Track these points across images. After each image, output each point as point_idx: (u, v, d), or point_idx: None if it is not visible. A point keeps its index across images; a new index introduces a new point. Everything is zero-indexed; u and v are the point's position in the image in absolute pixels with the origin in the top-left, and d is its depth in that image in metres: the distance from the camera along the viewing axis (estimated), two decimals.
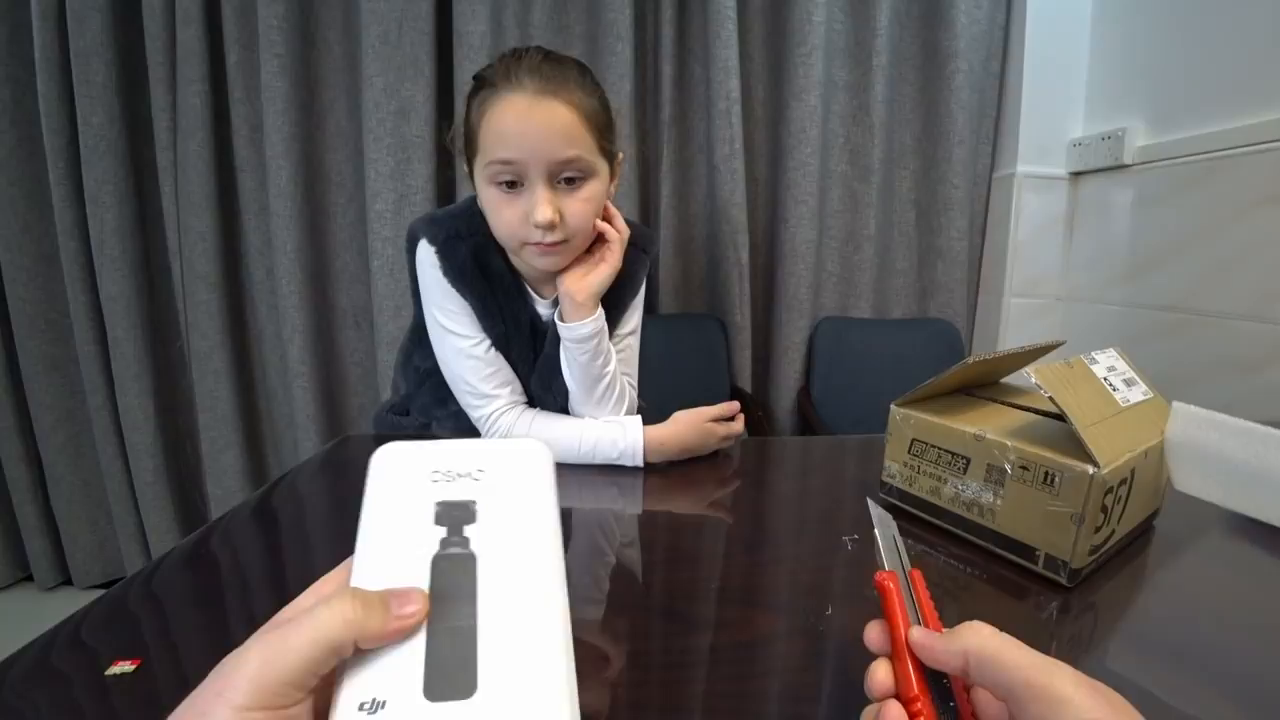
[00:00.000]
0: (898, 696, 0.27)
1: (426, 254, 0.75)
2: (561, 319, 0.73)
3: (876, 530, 0.35)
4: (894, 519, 0.37)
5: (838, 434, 1.30)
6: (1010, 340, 1.61)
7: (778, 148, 1.54)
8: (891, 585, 0.30)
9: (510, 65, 0.65)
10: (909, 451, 0.58)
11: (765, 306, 1.63)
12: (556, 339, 0.75)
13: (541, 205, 0.65)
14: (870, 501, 0.38)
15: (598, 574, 0.52)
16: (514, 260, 0.77)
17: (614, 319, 0.81)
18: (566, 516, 0.63)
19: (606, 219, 0.75)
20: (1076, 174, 1.53)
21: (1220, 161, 1.18)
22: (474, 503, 0.25)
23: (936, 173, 1.58)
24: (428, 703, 0.20)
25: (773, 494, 0.74)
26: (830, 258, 1.61)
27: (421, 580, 0.23)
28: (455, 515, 0.25)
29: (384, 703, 0.20)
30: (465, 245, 0.74)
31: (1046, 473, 0.47)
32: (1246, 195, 1.14)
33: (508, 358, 0.78)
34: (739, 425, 0.77)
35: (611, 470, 0.72)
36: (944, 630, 0.28)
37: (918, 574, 0.32)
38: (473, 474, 0.27)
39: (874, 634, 0.30)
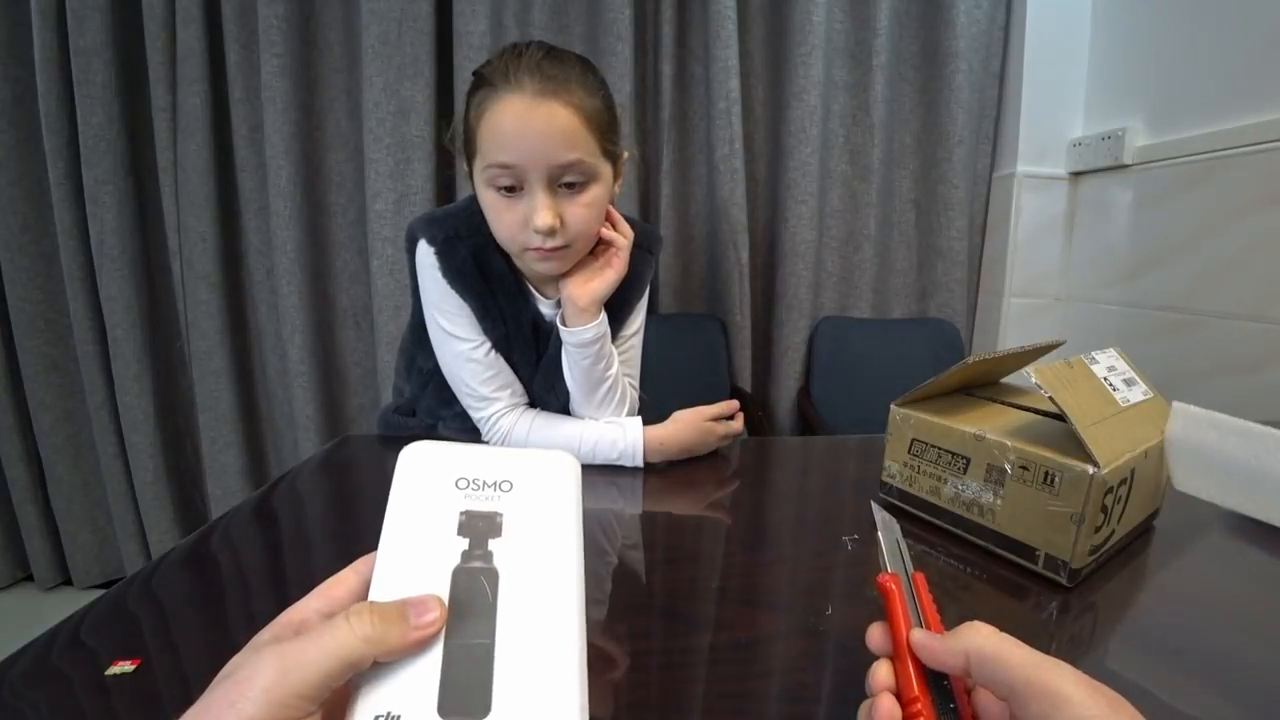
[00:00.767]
0: (898, 697, 0.27)
1: (425, 255, 0.74)
2: (564, 323, 0.73)
3: (880, 532, 0.35)
4: (897, 521, 0.37)
5: (838, 434, 1.30)
6: (1010, 340, 1.61)
7: (778, 148, 1.54)
8: (894, 587, 0.30)
9: (510, 63, 0.63)
10: (909, 451, 0.58)
11: (765, 306, 1.63)
12: (560, 340, 0.75)
13: (541, 211, 0.63)
14: (874, 504, 0.38)
15: (598, 574, 0.52)
16: (514, 260, 0.76)
17: (619, 319, 0.80)
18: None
19: (610, 222, 0.74)
20: (1076, 174, 1.53)
21: (1220, 161, 1.18)
22: (499, 515, 0.25)
23: (936, 173, 1.58)
24: (440, 719, 0.20)
25: (773, 494, 0.74)
26: (830, 258, 1.61)
27: (441, 592, 0.22)
28: (479, 527, 0.24)
29: (398, 717, 0.20)
30: (465, 246, 0.73)
31: (1046, 473, 0.47)
32: (1246, 195, 1.14)
33: (509, 359, 0.77)
34: (738, 424, 0.77)
35: (611, 470, 0.72)
36: (945, 632, 0.28)
37: (920, 577, 0.32)
38: (500, 485, 0.26)
39: (876, 635, 0.30)
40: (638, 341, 0.84)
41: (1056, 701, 0.22)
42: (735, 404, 0.77)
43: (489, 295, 0.74)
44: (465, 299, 0.73)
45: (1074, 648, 0.43)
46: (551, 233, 0.65)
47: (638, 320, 0.84)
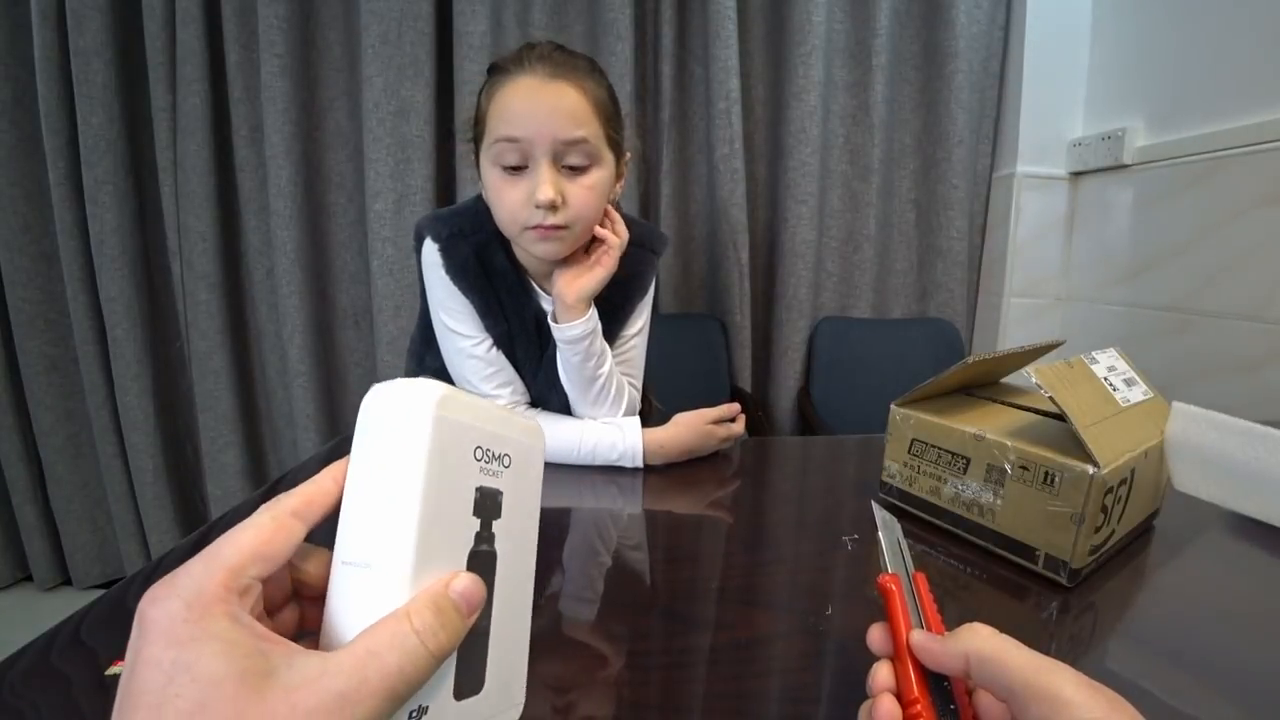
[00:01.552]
0: (899, 699, 0.27)
1: (430, 252, 0.75)
2: (554, 320, 0.73)
3: (880, 532, 0.35)
4: (898, 521, 0.36)
5: (838, 434, 1.30)
6: (1010, 340, 1.61)
7: (778, 148, 1.54)
8: (894, 588, 0.30)
9: (524, 52, 0.66)
10: (909, 451, 0.58)
11: (765, 306, 1.63)
12: None
13: (544, 185, 0.64)
14: (874, 504, 0.37)
15: (598, 574, 0.52)
16: (518, 255, 0.77)
17: (620, 319, 0.81)
18: (566, 515, 0.64)
19: (609, 220, 0.74)
20: (1076, 174, 1.53)
21: (1220, 161, 1.18)
22: (501, 494, 0.25)
23: (936, 173, 1.58)
24: (455, 703, 0.21)
25: (773, 494, 0.74)
26: (830, 258, 1.61)
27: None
28: (487, 507, 0.25)
29: (426, 708, 0.21)
30: (468, 243, 0.74)
31: (1046, 473, 0.47)
32: (1246, 195, 1.14)
33: (512, 356, 0.78)
34: (739, 427, 0.77)
35: (611, 470, 0.72)
36: (945, 633, 0.28)
37: (921, 577, 0.32)
38: (503, 459, 0.25)
39: (876, 636, 0.30)
40: (640, 342, 0.84)
41: (1056, 705, 0.22)
42: (736, 407, 0.77)
43: (491, 292, 0.75)
44: (468, 295, 0.74)
45: (1074, 648, 0.43)
46: (553, 208, 0.65)
47: (640, 320, 0.83)
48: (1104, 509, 0.46)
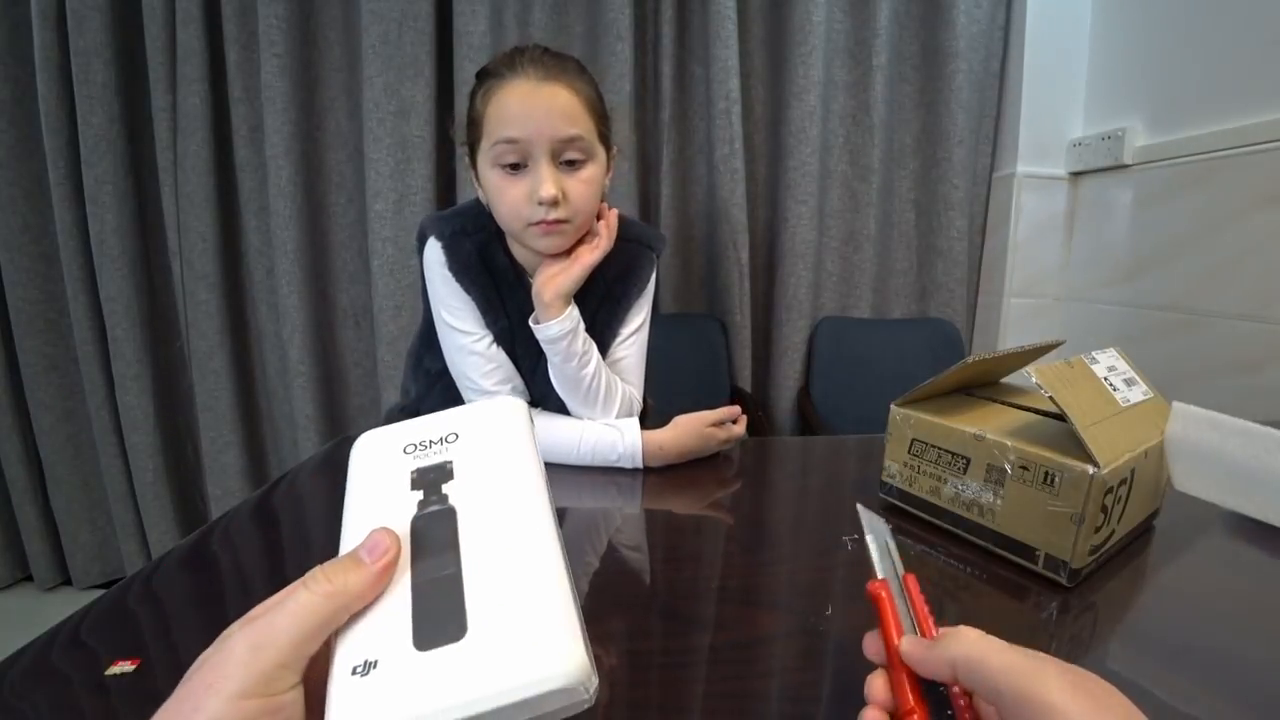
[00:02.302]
0: (895, 708, 0.27)
1: (433, 250, 0.76)
2: (535, 321, 0.74)
3: (868, 537, 0.34)
4: (887, 522, 0.36)
5: (838, 434, 1.30)
6: (1010, 340, 1.61)
7: (778, 148, 1.54)
8: (884, 594, 0.30)
9: (514, 56, 0.68)
10: (909, 451, 0.58)
11: (765, 306, 1.63)
12: None
13: (545, 182, 0.67)
14: (860, 506, 0.37)
15: (597, 574, 0.52)
16: (517, 254, 0.78)
17: (618, 317, 0.81)
18: (565, 516, 0.64)
19: (606, 219, 0.75)
20: (1076, 174, 1.53)
21: (1220, 161, 1.18)
22: (449, 463, 0.25)
23: (936, 173, 1.58)
24: (419, 653, 0.19)
25: (773, 494, 0.74)
26: (830, 258, 1.61)
27: (403, 543, 0.23)
28: (431, 478, 0.25)
29: (375, 662, 0.19)
30: (471, 241, 0.76)
31: (1046, 473, 0.47)
32: (1246, 195, 1.14)
33: (512, 354, 0.78)
34: (740, 429, 0.77)
35: (611, 470, 0.73)
36: (937, 635, 0.28)
37: (911, 578, 0.32)
38: (445, 439, 0.26)
39: (871, 644, 0.30)
40: (638, 341, 0.84)
41: (1042, 710, 0.22)
42: (736, 409, 0.77)
43: (492, 289, 0.76)
44: (469, 292, 0.75)
45: (1074, 648, 0.43)
46: (555, 204, 0.67)
47: (637, 320, 0.83)
48: (1104, 509, 0.46)
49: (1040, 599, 0.47)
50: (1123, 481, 0.47)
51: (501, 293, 0.77)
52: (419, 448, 0.26)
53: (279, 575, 0.53)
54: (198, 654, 0.20)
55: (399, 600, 0.21)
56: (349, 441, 0.26)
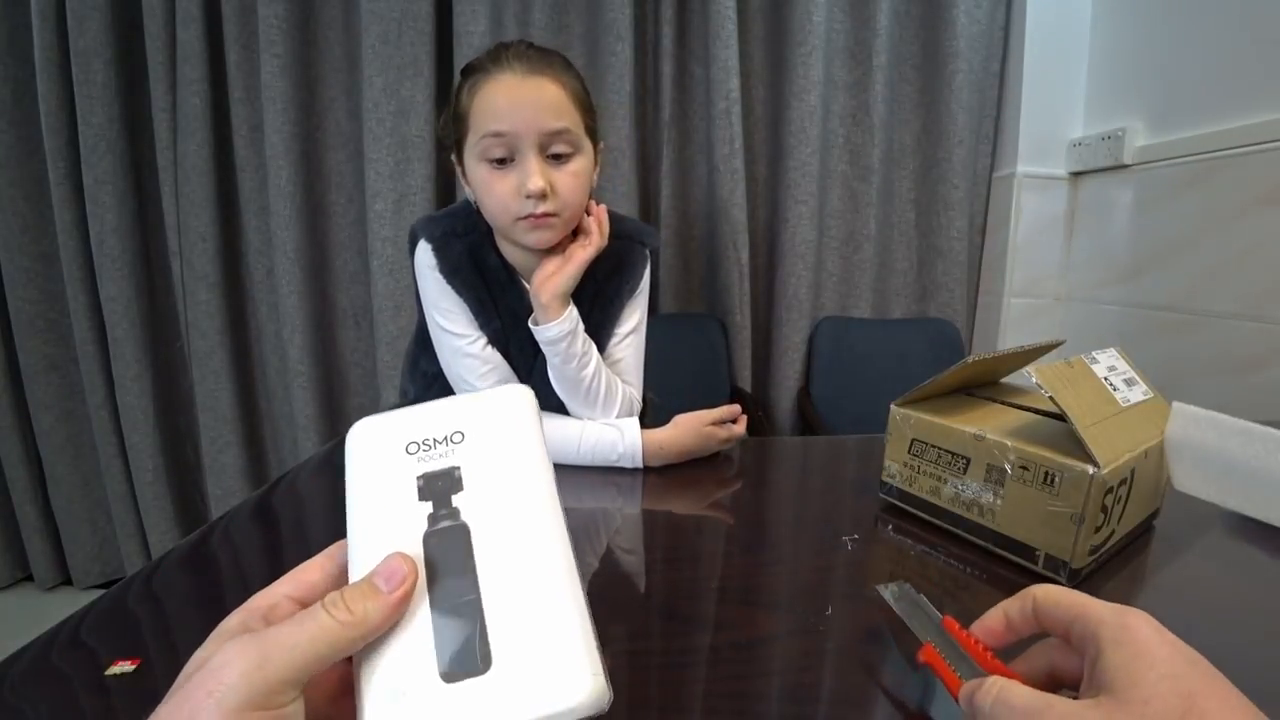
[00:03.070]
0: None
1: (424, 253, 0.76)
2: (533, 322, 0.73)
3: (896, 607, 0.37)
4: (907, 584, 0.40)
5: (838, 434, 1.30)
6: (1010, 340, 1.61)
7: (778, 148, 1.54)
8: (936, 656, 0.32)
9: (499, 51, 0.68)
10: (909, 451, 0.58)
11: (765, 306, 1.63)
12: None
13: (533, 175, 0.66)
14: (878, 588, 0.40)
15: (597, 574, 0.52)
16: (508, 253, 0.77)
17: (612, 316, 0.81)
18: (567, 515, 0.63)
19: (590, 214, 0.75)
20: (1076, 174, 1.53)
21: (1220, 161, 1.18)
22: (457, 469, 0.24)
23: (936, 173, 1.58)
24: (445, 685, 0.19)
25: (773, 494, 0.74)
26: (830, 258, 1.61)
27: (416, 562, 0.22)
28: (440, 487, 0.24)
29: (405, 694, 0.19)
30: (461, 243, 0.75)
31: (1046, 473, 0.47)
32: (1246, 195, 1.14)
33: (507, 355, 0.78)
34: (740, 429, 0.76)
35: (611, 470, 0.72)
36: (991, 656, 0.30)
37: (949, 620, 0.33)
38: (451, 438, 0.25)
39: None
40: (635, 341, 0.83)
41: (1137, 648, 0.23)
42: (736, 409, 0.77)
43: (484, 290, 0.76)
44: (461, 294, 0.75)
45: None
46: (544, 196, 0.67)
47: (634, 318, 0.83)
48: (1104, 509, 0.46)
49: None
50: (1123, 481, 0.47)
51: (493, 294, 0.76)
52: (423, 448, 0.25)
53: (279, 575, 0.53)
54: None
55: (419, 627, 0.21)
56: None
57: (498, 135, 0.66)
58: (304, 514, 0.65)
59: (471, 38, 1.37)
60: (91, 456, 1.62)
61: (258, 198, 1.48)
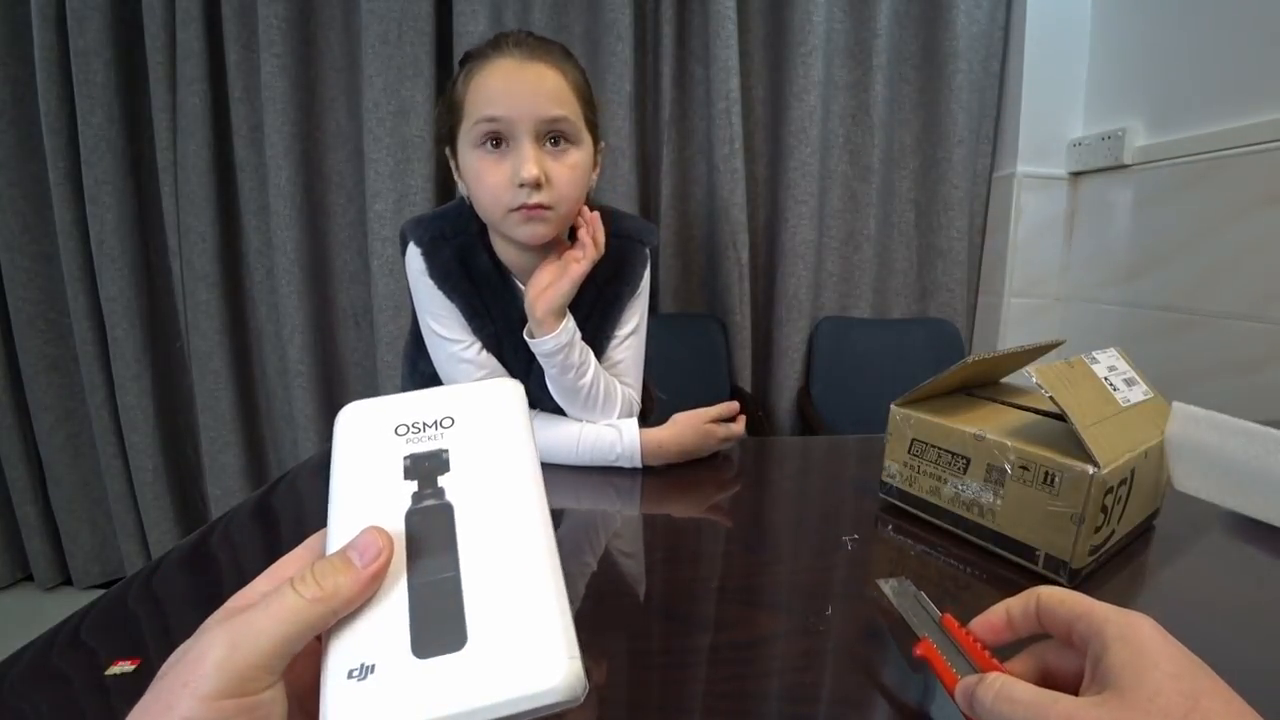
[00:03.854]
0: None
1: (414, 257, 0.74)
2: (529, 334, 0.71)
3: (896, 602, 0.37)
4: (907, 581, 0.39)
5: (838, 434, 1.30)
6: (1010, 340, 1.61)
7: (778, 148, 1.54)
8: (932, 651, 0.32)
9: (499, 38, 0.67)
10: (909, 451, 0.58)
11: (765, 306, 1.63)
12: None
13: (527, 162, 0.64)
14: (879, 581, 0.40)
15: (597, 574, 0.52)
16: (502, 253, 0.75)
17: (612, 319, 0.80)
18: (565, 516, 0.63)
19: (586, 222, 0.71)
20: (1076, 174, 1.53)
21: (1220, 161, 1.18)
22: (445, 451, 0.24)
23: (936, 173, 1.58)
24: (418, 660, 0.19)
25: (773, 494, 0.74)
26: (830, 258, 1.61)
27: (396, 539, 0.22)
28: (426, 467, 0.24)
29: (373, 666, 0.19)
30: (450, 246, 0.73)
31: (1046, 473, 0.47)
32: (1246, 195, 1.14)
33: (501, 358, 0.77)
34: (739, 427, 0.76)
35: (610, 470, 0.72)
36: (988, 654, 0.30)
37: (948, 618, 0.34)
38: (441, 423, 0.25)
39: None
40: (635, 342, 0.82)
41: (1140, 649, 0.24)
42: (735, 406, 0.76)
43: (475, 294, 0.74)
44: (452, 299, 0.74)
45: None
46: (538, 185, 0.64)
47: (634, 319, 0.81)
48: (1104, 509, 0.46)
49: None
50: (1123, 481, 0.47)
51: (485, 298, 0.75)
52: (411, 430, 0.25)
53: None
54: None
55: (396, 602, 0.21)
56: None
57: (492, 120, 0.64)
58: (304, 514, 0.65)
59: (471, 38, 1.37)
60: (91, 456, 1.62)
61: (258, 198, 1.48)
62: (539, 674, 0.19)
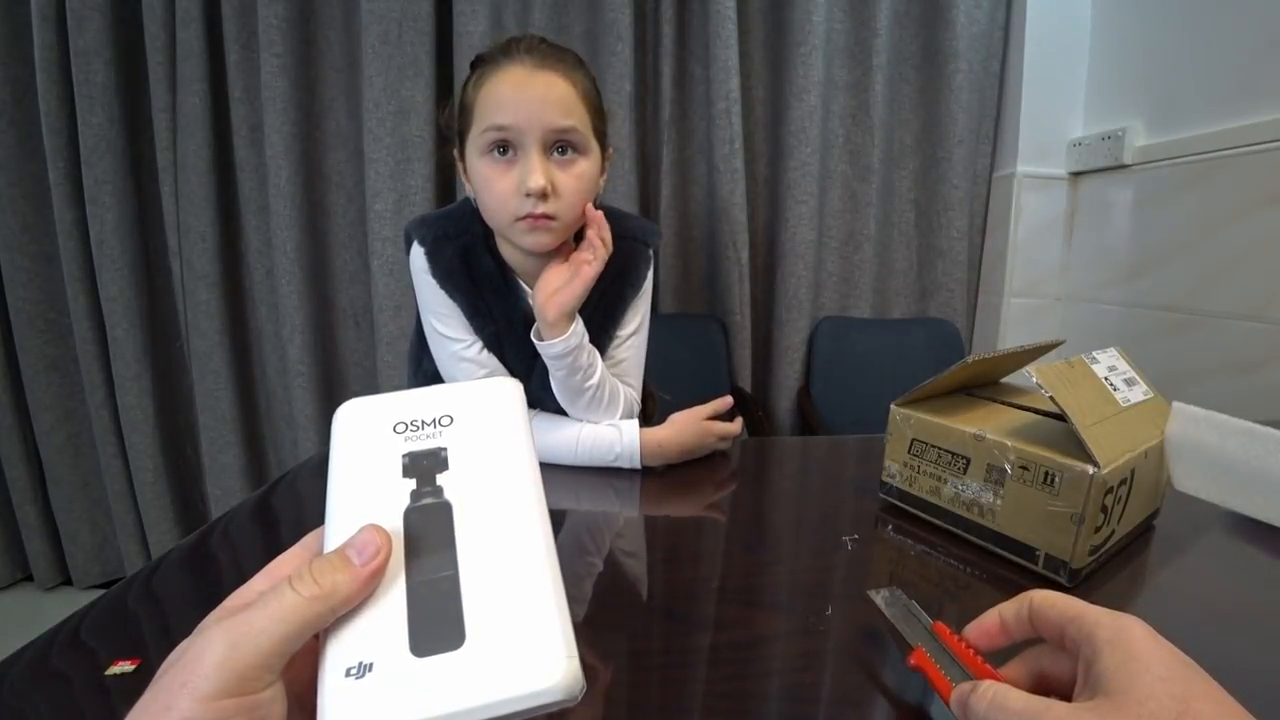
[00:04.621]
0: None
1: (417, 256, 0.75)
2: (537, 336, 0.71)
3: (887, 612, 0.38)
4: (897, 590, 0.40)
5: (838, 434, 1.30)
6: (1010, 340, 1.61)
7: (778, 148, 1.54)
8: (926, 659, 0.32)
9: (510, 44, 0.67)
10: (909, 451, 0.58)
11: (765, 306, 1.63)
12: None
13: (534, 172, 0.64)
14: (870, 592, 0.41)
15: (598, 574, 0.52)
16: (506, 254, 0.76)
17: (614, 319, 0.80)
18: (565, 517, 0.64)
19: (594, 224, 0.71)
20: (1076, 174, 1.53)
21: (1220, 161, 1.18)
22: (443, 450, 0.24)
23: (936, 173, 1.58)
24: (415, 659, 0.19)
25: (772, 494, 0.74)
26: (830, 258, 1.61)
27: (395, 537, 0.22)
28: (425, 465, 0.24)
29: (371, 665, 0.19)
30: (453, 245, 0.74)
31: (1046, 473, 0.47)
32: (1246, 195, 1.14)
33: (502, 358, 0.77)
34: (736, 426, 0.76)
35: (610, 470, 0.72)
36: (980, 660, 0.31)
37: (940, 626, 0.34)
38: (439, 421, 0.26)
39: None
40: (637, 342, 0.83)
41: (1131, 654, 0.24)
42: (729, 400, 0.76)
43: (477, 294, 0.74)
44: (454, 298, 0.74)
45: None
46: (544, 195, 0.65)
47: (636, 319, 0.82)
48: (1104, 509, 0.46)
49: None
50: (1123, 481, 0.47)
51: (487, 297, 0.75)
52: (410, 428, 0.25)
53: None
54: None
55: (394, 599, 0.21)
56: None
57: (500, 128, 0.64)
58: (304, 514, 0.65)
59: (471, 38, 1.37)
60: (91, 456, 1.62)
61: (258, 198, 1.48)
62: (537, 673, 0.19)
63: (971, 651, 0.31)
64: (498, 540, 0.22)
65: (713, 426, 0.74)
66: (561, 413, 0.78)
